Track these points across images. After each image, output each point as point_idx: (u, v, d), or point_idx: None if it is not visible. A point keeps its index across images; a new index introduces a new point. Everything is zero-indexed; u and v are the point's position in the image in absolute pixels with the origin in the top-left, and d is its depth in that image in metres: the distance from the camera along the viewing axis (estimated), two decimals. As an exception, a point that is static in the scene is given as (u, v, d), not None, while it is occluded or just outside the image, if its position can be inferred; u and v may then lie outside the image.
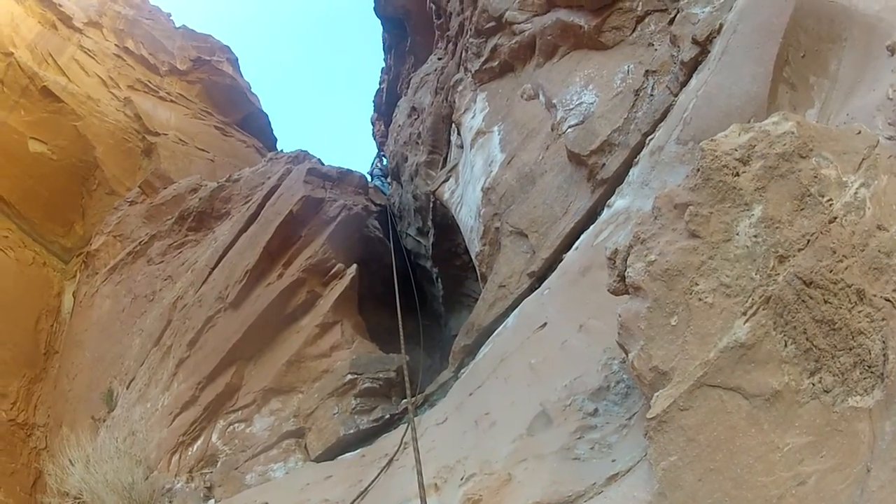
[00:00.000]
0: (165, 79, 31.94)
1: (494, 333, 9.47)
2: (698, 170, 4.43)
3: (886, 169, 4.30)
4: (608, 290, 5.17)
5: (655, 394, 4.23)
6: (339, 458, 10.51)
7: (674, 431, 4.07)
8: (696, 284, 4.23)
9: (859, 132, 4.51)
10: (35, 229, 24.41)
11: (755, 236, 4.15)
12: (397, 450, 9.14)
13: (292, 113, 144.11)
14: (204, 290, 15.58)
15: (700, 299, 4.19)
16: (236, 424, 12.41)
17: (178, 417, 13.14)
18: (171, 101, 30.72)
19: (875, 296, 3.84)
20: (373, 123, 36.18)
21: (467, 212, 12.49)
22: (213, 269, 16.00)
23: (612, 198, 8.23)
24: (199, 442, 12.55)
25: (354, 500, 8.39)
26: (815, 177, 4.14)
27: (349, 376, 11.36)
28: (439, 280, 17.27)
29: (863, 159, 4.30)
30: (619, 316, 4.74)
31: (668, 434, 4.08)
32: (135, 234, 21.68)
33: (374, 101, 35.44)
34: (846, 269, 3.91)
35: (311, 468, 10.62)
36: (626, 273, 4.72)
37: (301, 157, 19.91)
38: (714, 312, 4.13)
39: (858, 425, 3.72)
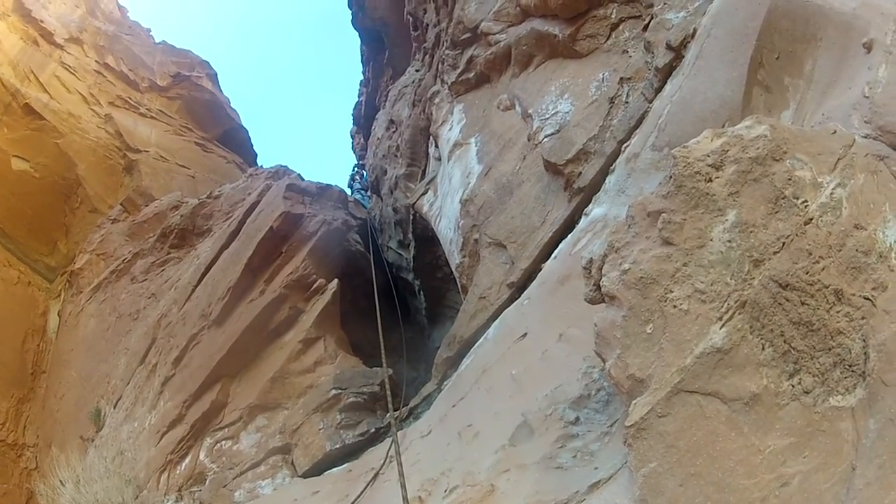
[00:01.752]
0: (146, 95, 31.91)
1: (476, 345, 9.47)
2: (671, 177, 4.44)
3: (863, 167, 4.32)
4: (585, 300, 5.19)
5: (633, 401, 4.23)
6: (326, 473, 10.47)
7: (653, 438, 4.06)
8: (671, 292, 4.23)
9: (834, 132, 4.54)
10: (19, 248, 24.23)
11: (729, 241, 4.16)
12: (382, 464, 9.13)
13: (272, 127, 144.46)
14: (187, 307, 15.56)
15: (675, 306, 4.20)
16: (223, 442, 12.38)
17: (165, 436, 13.10)
18: (152, 117, 30.68)
19: (854, 295, 3.86)
20: (352, 136, 36.07)
21: (447, 224, 12.51)
22: (195, 286, 15.98)
23: (590, 206, 8.22)
24: (187, 460, 12.51)
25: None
26: (790, 179, 4.16)
27: (333, 391, 11.35)
28: (421, 292, 17.24)
29: (838, 159, 4.33)
30: (596, 325, 4.74)
31: (648, 441, 4.07)
32: (118, 252, 21.66)
33: (353, 114, 35.31)
34: (823, 269, 3.93)
35: (298, 484, 10.58)
36: (601, 282, 4.72)
37: (281, 172, 20.01)
38: (689, 319, 4.13)
39: (841, 424, 3.73)
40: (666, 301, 4.24)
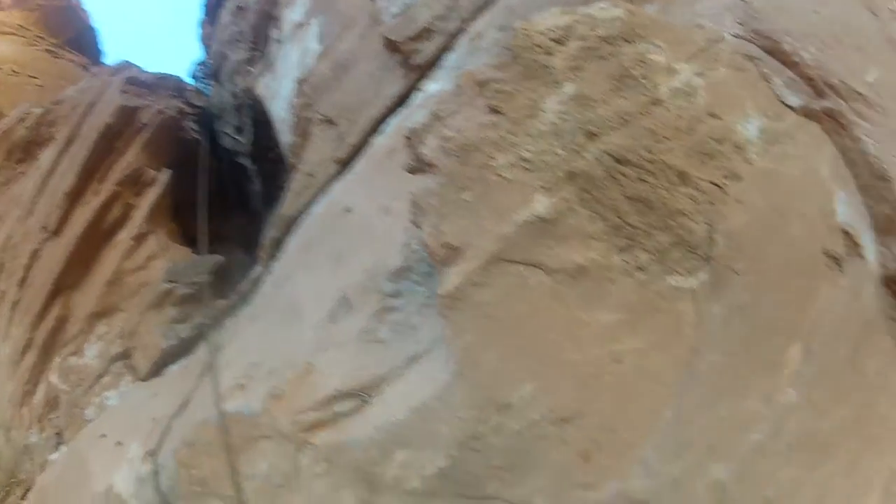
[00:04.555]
0: (7, 12, 31.08)
1: (301, 223, 9.31)
2: (507, 48, 4.31)
3: (728, 63, 4.38)
4: (406, 171, 5.04)
5: (447, 270, 4.10)
6: (165, 371, 10.22)
7: (469, 309, 3.94)
8: (494, 159, 4.07)
9: (700, 27, 4.62)
10: None
11: (564, 113, 4.05)
12: (211, 358, 8.99)
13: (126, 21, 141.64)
14: (30, 222, 14.98)
15: (497, 174, 4.05)
16: (70, 358, 11.96)
17: (20, 365, 12.64)
18: (11, 33, 29.83)
19: (701, 179, 3.90)
20: (202, 27, 35.35)
21: (281, 105, 12.20)
22: (35, 198, 15.41)
23: (425, 82, 8.09)
24: (41, 386, 12.09)
25: (175, 414, 8.22)
26: (641, 61, 4.13)
27: (165, 285, 11.03)
28: (259, 178, 17.10)
29: (700, 50, 4.34)
30: (412, 194, 4.62)
31: (464, 312, 3.96)
32: (-31, 177, 20.86)
33: (204, 4, 34.59)
34: (668, 150, 3.93)
35: (139, 388, 10.27)
36: (420, 150, 4.57)
37: (123, 67, 19.40)
38: (513, 187, 4.00)
39: (680, 305, 3.80)
40: (487, 168, 4.08)
